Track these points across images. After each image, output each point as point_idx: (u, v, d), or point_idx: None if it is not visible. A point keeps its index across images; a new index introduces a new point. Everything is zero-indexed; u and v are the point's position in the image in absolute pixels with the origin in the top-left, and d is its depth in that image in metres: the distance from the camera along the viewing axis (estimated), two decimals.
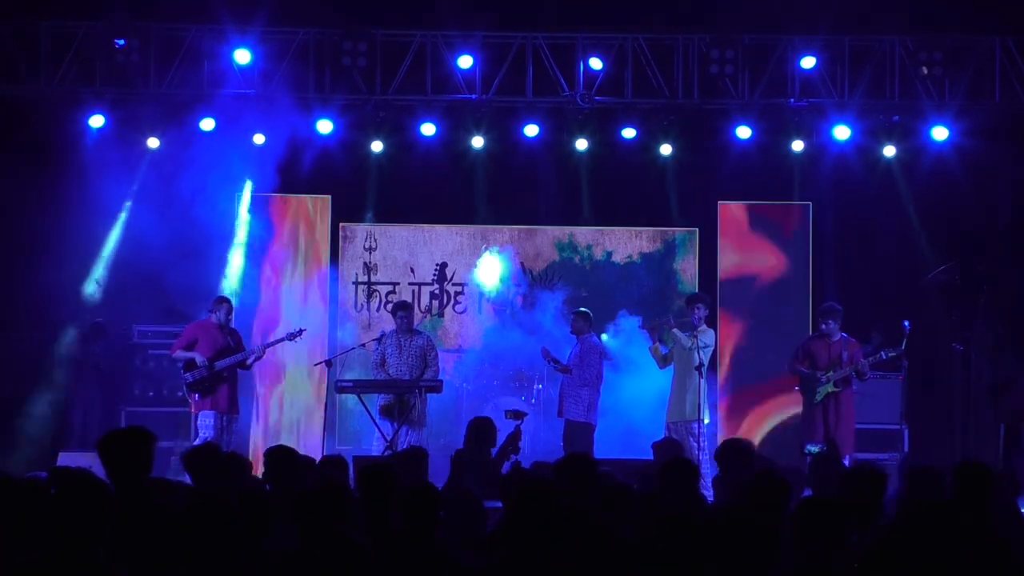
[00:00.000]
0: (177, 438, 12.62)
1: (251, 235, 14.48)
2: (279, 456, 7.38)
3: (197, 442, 11.83)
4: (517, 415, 11.60)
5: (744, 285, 14.63)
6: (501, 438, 10.55)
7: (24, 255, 14.05)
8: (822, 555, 5.12)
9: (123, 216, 14.09)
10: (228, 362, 12.31)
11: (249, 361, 12.59)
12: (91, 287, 14.10)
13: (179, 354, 12.37)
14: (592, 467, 6.80)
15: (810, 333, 13.41)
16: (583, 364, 12.58)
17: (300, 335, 12.91)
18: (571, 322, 12.91)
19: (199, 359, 12.20)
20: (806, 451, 11.80)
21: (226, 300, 12.65)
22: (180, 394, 12.91)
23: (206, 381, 12.21)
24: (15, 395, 13.80)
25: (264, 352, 12.79)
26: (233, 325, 12.67)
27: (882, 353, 12.31)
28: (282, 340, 12.94)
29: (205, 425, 12.16)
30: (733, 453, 7.33)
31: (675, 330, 12.25)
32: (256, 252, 14.49)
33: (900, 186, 14.25)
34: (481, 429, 10.07)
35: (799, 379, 12.55)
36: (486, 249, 14.61)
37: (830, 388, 12.21)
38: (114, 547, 4.98)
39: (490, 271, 14.57)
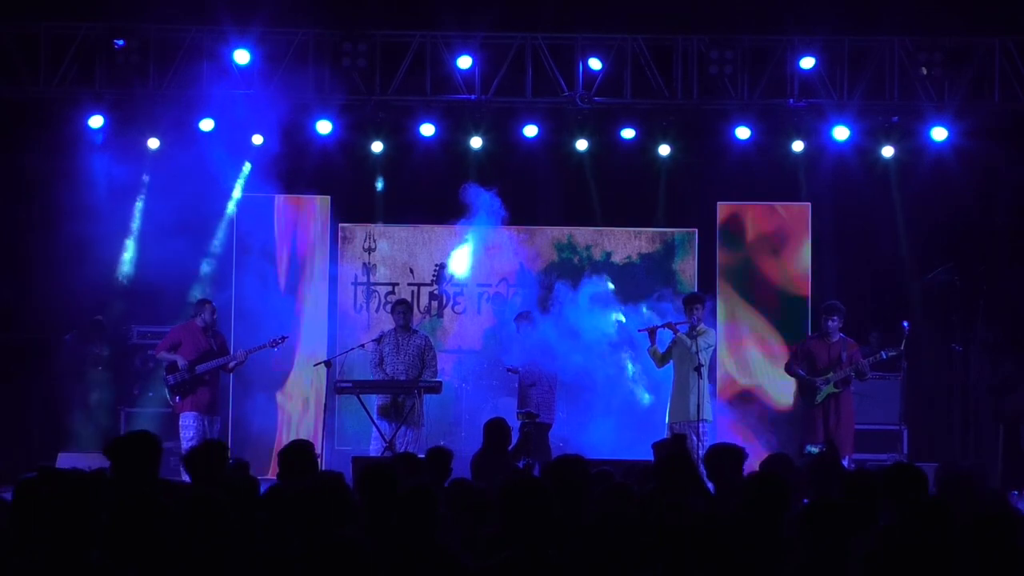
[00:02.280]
0: (177, 438, 12.64)
1: (250, 236, 14.49)
2: (295, 453, 7.41)
3: (184, 444, 11.93)
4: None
5: (743, 286, 14.61)
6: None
7: (23, 256, 14.06)
8: (826, 558, 5.12)
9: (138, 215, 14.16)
10: (209, 366, 12.44)
11: (230, 366, 12.73)
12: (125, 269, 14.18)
13: (162, 356, 12.56)
14: (583, 467, 6.77)
15: (809, 333, 13.39)
16: (531, 364, 12.64)
17: (282, 342, 12.98)
18: (519, 326, 12.93)
19: (181, 362, 12.36)
20: (805, 452, 11.80)
21: (208, 302, 12.71)
22: (151, 394, 13.00)
23: (187, 384, 12.39)
24: (15, 395, 13.80)
25: (246, 358, 12.86)
26: (218, 327, 12.79)
27: (882, 353, 12.33)
28: (264, 347, 13.01)
29: (187, 426, 12.36)
30: (722, 458, 7.29)
31: (681, 332, 12.22)
32: (254, 254, 14.48)
33: (899, 187, 14.26)
34: (498, 431, 9.96)
35: (797, 382, 12.56)
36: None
37: (831, 389, 12.22)
38: (115, 546, 4.99)
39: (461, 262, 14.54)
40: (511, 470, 9.49)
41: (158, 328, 14.04)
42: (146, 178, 14.11)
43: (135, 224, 14.19)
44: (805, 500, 6.54)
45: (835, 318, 12.31)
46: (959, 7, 13.35)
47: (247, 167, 14.21)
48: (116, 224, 14.06)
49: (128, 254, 14.21)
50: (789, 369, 12.66)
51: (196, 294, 13.42)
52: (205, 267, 14.17)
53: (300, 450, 7.49)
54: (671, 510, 5.44)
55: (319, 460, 11.94)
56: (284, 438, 13.64)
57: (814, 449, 11.77)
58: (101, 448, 12.92)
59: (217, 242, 14.28)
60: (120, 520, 5.02)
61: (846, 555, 5.16)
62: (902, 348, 12.47)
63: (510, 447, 10.16)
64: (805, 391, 12.42)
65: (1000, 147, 13.96)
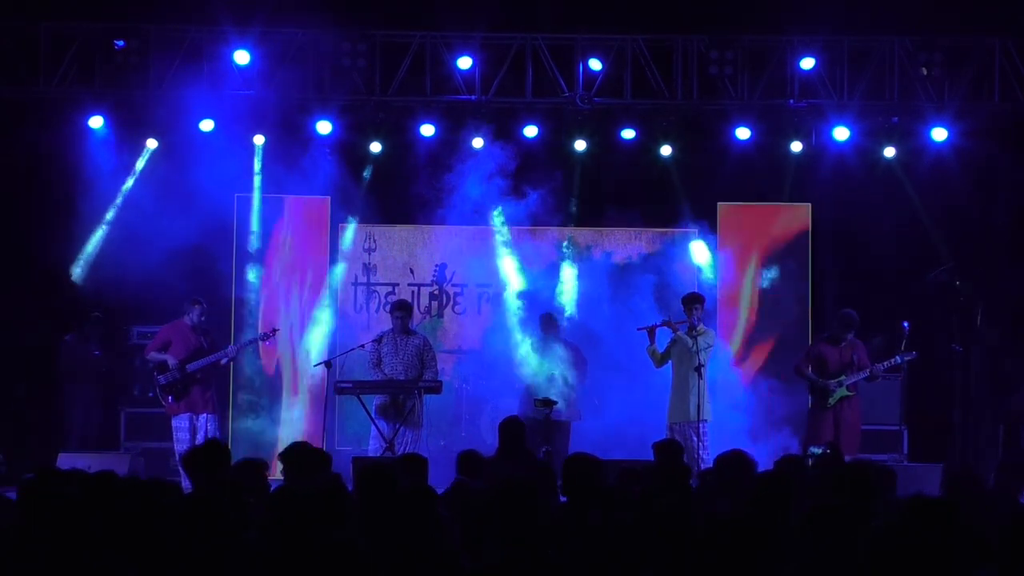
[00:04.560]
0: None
1: (250, 237, 14.49)
2: (297, 454, 7.42)
3: (177, 446, 11.95)
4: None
5: (743, 287, 14.60)
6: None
7: (23, 256, 14.06)
8: (826, 559, 5.12)
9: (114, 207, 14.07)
10: (200, 364, 12.44)
11: (223, 362, 12.74)
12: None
13: (152, 356, 12.55)
14: (597, 466, 6.78)
15: (822, 335, 13.23)
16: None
17: (273, 335, 13.00)
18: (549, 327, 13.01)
19: (171, 361, 12.35)
20: (809, 453, 11.78)
21: (198, 301, 12.70)
22: (151, 395, 13.03)
23: (178, 383, 12.38)
24: (15, 395, 13.79)
25: (237, 353, 12.90)
26: (208, 325, 12.80)
27: (897, 357, 12.28)
28: (255, 340, 13.07)
29: (180, 427, 12.37)
30: (734, 465, 7.27)
31: (681, 332, 12.22)
32: (254, 254, 14.48)
33: (900, 187, 14.25)
34: (512, 431, 9.83)
35: (809, 384, 12.52)
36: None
37: (843, 392, 12.21)
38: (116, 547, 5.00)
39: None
40: (528, 464, 9.31)
41: (157, 328, 14.02)
42: (130, 181, 14.07)
43: (109, 215, 14.10)
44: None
45: (852, 332, 12.30)
46: (959, 7, 13.34)
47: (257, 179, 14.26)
48: (116, 223, 14.04)
49: (90, 247, 14.10)
50: (798, 371, 12.65)
51: (197, 295, 13.38)
52: (205, 267, 14.14)
53: (304, 452, 7.48)
54: (671, 510, 5.43)
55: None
56: (283, 440, 13.62)
57: (818, 450, 11.72)
58: (101, 448, 13.09)
59: (217, 243, 14.25)
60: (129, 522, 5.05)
61: (847, 556, 5.15)
62: (915, 353, 12.40)
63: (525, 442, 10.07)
64: (817, 393, 12.39)
65: (1000, 147, 13.96)
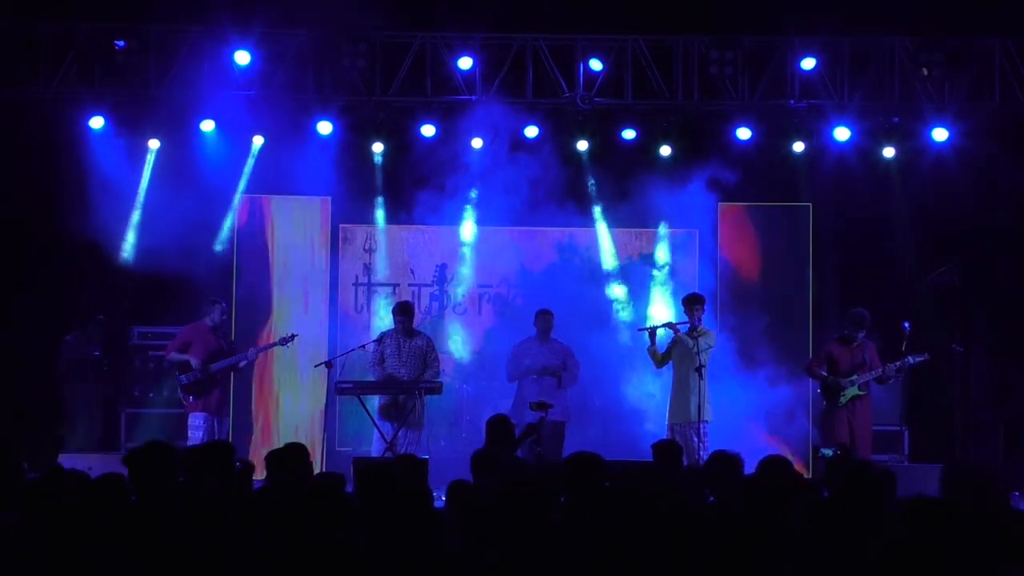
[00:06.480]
0: (177, 439, 12.64)
1: (251, 237, 14.49)
2: (284, 457, 7.41)
3: (189, 443, 11.95)
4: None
5: (744, 286, 14.60)
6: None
7: (24, 257, 14.06)
8: (827, 558, 5.12)
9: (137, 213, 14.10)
10: (222, 365, 12.48)
11: (241, 365, 12.76)
12: None
13: (173, 356, 12.56)
14: (599, 466, 6.78)
15: (833, 335, 13.20)
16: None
17: (292, 340, 12.99)
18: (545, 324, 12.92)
19: (194, 362, 12.37)
20: (820, 455, 11.76)
21: (218, 302, 12.72)
22: (168, 395, 13.03)
23: (201, 383, 12.40)
24: (16, 395, 13.79)
25: (257, 357, 12.91)
26: (227, 327, 12.79)
27: (910, 358, 12.25)
28: (275, 345, 13.06)
29: (195, 426, 12.39)
30: (722, 465, 7.28)
31: (682, 333, 12.22)
32: (255, 254, 14.48)
33: (900, 187, 14.25)
34: (497, 427, 9.92)
35: (820, 383, 12.50)
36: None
37: (855, 391, 12.18)
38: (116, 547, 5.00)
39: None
40: (514, 465, 9.37)
41: (158, 329, 14.04)
42: (145, 177, 14.08)
43: (136, 214, 14.12)
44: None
45: (863, 332, 12.27)
46: (959, 8, 13.35)
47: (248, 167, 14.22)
48: (116, 224, 14.04)
49: (129, 241, 14.12)
50: (810, 371, 12.63)
51: (197, 295, 13.39)
52: (206, 268, 14.13)
53: (295, 453, 7.48)
54: (671, 510, 5.43)
55: (320, 462, 12.06)
56: (283, 441, 13.61)
57: (828, 452, 11.70)
58: (101, 449, 13.10)
59: (218, 243, 14.26)
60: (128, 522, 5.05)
61: (847, 556, 5.15)
62: (927, 355, 12.36)
63: (514, 440, 10.10)
64: (829, 392, 12.36)
65: (1000, 147, 13.96)
